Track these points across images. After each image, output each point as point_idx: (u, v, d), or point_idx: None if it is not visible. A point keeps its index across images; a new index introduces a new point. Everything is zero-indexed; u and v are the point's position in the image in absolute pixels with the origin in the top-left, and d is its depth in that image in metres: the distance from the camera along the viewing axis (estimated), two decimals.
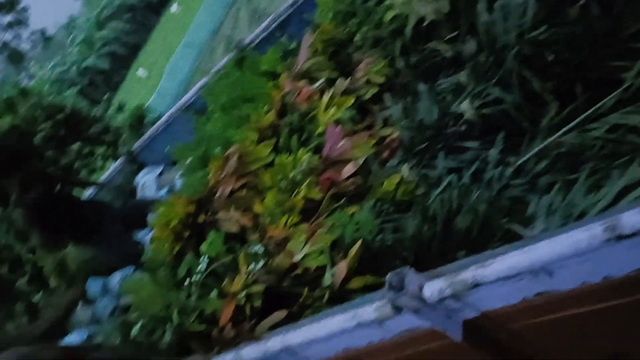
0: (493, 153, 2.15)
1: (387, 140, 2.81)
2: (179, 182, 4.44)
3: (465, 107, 2.33)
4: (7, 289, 10.75)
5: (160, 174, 4.96)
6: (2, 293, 11.07)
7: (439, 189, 2.14)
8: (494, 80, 2.26)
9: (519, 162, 2.03)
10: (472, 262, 1.49)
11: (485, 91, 2.28)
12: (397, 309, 1.60)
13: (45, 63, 21.15)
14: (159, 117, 7.79)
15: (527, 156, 2.01)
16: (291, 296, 2.45)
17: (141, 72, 16.07)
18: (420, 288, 1.54)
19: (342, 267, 2.19)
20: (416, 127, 2.44)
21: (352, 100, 2.99)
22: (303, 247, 2.48)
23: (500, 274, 1.43)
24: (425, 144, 2.39)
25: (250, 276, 2.50)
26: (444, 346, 1.84)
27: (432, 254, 1.91)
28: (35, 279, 10.11)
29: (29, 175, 3.88)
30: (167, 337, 2.67)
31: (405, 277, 1.55)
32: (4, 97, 11.37)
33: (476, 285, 1.47)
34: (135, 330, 2.85)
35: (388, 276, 1.60)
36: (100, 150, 12.11)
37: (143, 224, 4.20)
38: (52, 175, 4.12)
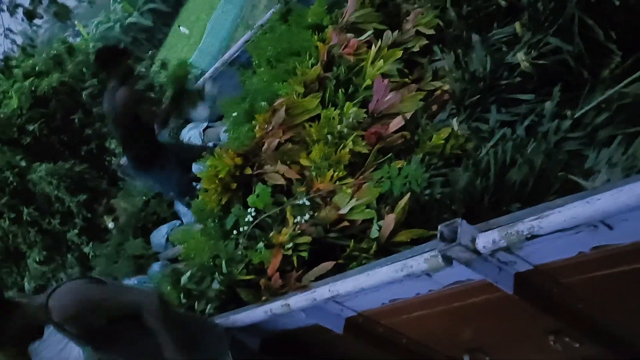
0: (549, 106, 2.08)
1: (437, 93, 2.76)
2: (223, 137, 4.49)
3: (521, 58, 2.24)
4: (60, 240, 11.24)
5: (205, 129, 5.01)
6: (54, 245, 11.59)
7: (492, 142, 2.09)
8: (552, 30, 2.16)
9: (577, 115, 1.96)
10: (528, 214, 1.46)
11: (543, 41, 2.18)
12: (448, 261, 1.59)
13: (89, 21, 21.39)
14: (202, 74, 7.83)
15: (587, 108, 1.93)
16: (337, 248, 2.48)
17: (183, 29, 16.09)
18: (473, 240, 1.53)
19: (389, 220, 2.18)
20: (468, 79, 2.37)
21: (400, 53, 2.93)
22: (349, 200, 2.48)
23: (557, 226, 1.40)
24: (477, 97, 2.32)
25: (296, 228, 2.53)
26: (494, 299, 1.83)
27: (484, 207, 1.88)
28: (86, 231, 10.51)
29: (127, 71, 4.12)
30: (216, 285, 2.75)
31: (458, 228, 1.53)
32: (52, 53, 11.61)
33: (531, 237, 1.45)
34: (184, 278, 2.95)
35: (440, 227, 1.58)
36: None
37: (190, 167, 4.31)
38: None
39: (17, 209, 10.69)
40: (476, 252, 1.53)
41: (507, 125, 2.20)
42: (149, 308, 2.30)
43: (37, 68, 11.50)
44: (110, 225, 5.99)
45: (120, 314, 2.36)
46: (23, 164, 10.77)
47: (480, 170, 1.95)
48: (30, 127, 11.11)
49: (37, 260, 10.92)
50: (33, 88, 11.12)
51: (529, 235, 1.44)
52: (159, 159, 4.33)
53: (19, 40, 10.37)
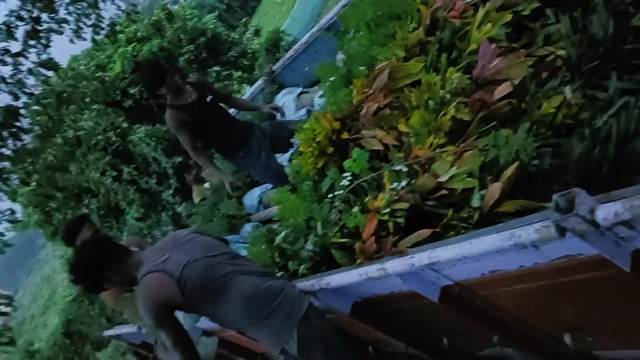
0: None
1: (548, 59, 2.61)
2: (317, 103, 4.50)
3: None
4: (155, 199, 11.88)
5: (300, 94, 5.05)
6: (151, 203, 12.27)
7: (611, 111, 1.95)
8: None
9: None
10: None
11: None
12: (562, 232, 1.51)
13: None
14: (295, 41, 7.86)
15: None
16: (434, 216, 2.43)
17: None
18: (592, 211, 1.44)
19: (495, 189, 2.11)
20: (586, 44, 2.21)
21: (510, 17, 2.77)
22: (449, 168, 2.43)
23: None
24: (596, 63, 2.17)
25: (393, 194, 2.50)
26: (606, 277, 1.74)
27: (601, 179, 1.76)
28: (180, 192, 11.03)
29: (175, 87, 4.09)
30: (309, 246, 2.79)
31: (575, 198, 1.45)
32: (153, 20, 12.11)
33: None
34: (279, 238, 3.02)
35: (555, 197, 1.50)
36: (237, 74, 12.62)
37: (285, 147, 4.33)
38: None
39: (118, 167, 11.41)
40: (594, 224, 1.44)
41: (628, 94, 2.04)
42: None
43: (138, 34, 12.06)
44: (197, 197, 6.19)
45: None
46: (124, 125, 11.43)
47: (599, 139, 1.83)
48: (132, 91, 11.74)
49: (135, 217, 11.65)
50: (135, 53, 11.70)
51: None
52: (243, 146, 4.34)
53: (123, 6, 10.90)
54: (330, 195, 2.84)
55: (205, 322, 3.55)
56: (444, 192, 2.42)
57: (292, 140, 4.07)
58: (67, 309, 13.89)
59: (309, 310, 2.58)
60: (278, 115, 4.57)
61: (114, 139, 11.65)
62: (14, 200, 11.41)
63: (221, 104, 4.45)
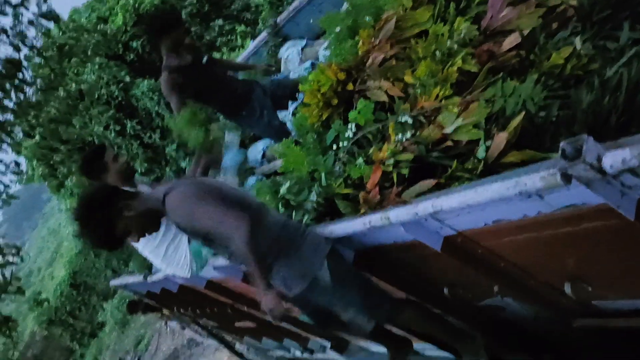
0: None
1: (559, 9, 2.55)
2: (322, 55, 4.43)
3: None
4: (159, 154, 11.87)
5: (304, 47, 4.96)
6: (154, 157, 12.28)
7: (622, 61, 1.92)
8: None
9: None
10: None
11: None
12: (567, 179, 1.50)
13: None
14: None
15: None
16: (439, 168, 2.43)
17: None
18: (599, 158, 1.43)
19: (500, 139, 2.10)
20: None
21: None
22: (455, 119, 2.41)
23: None
24: (608, 12, 2.12)
25: (398, 145, 2.50)
26: (609, 227, 1.74)
27: (610, 129, 1.75)
28: (183, 146, 11.01)
29: (177, 42, 4.00)
30: (314, 197, 2.81)
31: (583, 144, 1.44)
32: None
33: None
34: (283, 189, 3.03)
35: (562, 144, 1.49)
36: (240, 28, 12.40)
37: (286, 104, 4.28)
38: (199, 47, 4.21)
39: (121, 122, 11.37)
40: (601, 171, 1.44)
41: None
42: (237, 243, 2.34)
43: None
44: None
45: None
46: (127, 79, 11.32)
47: (608, 89, 1.81)
48: (134, 44, 11.58)
49: (139, 171, 11.67)
50: (136, 5, 11.48)
51: None
52: (244, 104, 4.27)
53: None
54: (334, 147, 2.84)
55: (210, 271, 3.59)
56: (449, 143, 2.42)
57: (296, 93, 4.02)
58: (73, 262, 14.11)
59: (333, 247, 2.54)
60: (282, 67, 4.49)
61: (116, 93, 11.56)
62: (18, 152, 11.44)
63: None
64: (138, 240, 2.56)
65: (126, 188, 2.78)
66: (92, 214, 2.41)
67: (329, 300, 2.51)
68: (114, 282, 5.53)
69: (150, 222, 2.52)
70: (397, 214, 2.13)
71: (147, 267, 4.78)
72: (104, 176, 3.45)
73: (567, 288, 2.16)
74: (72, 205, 10.96)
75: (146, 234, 2.51)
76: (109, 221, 2.40)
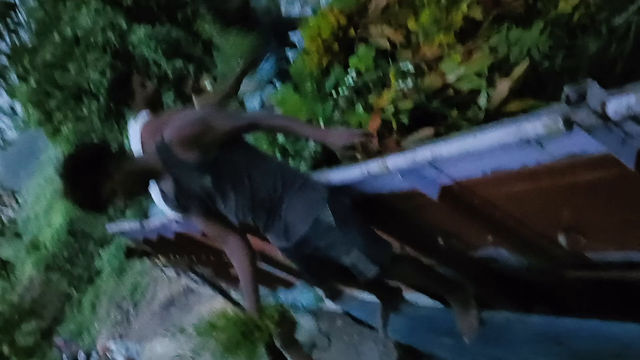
0: None
1: None
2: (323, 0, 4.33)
3: None
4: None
5: None
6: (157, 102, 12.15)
7: (631, 9, 1.87)
8: None
9: None
10: None
11: None
12: (569, 125, 1.48)
13: None
14: None
15: None
16: (439, 117, 2.40)
17: None
18: (603, 104, 1.41)
19: (503, 86, 2.07)
20: None
21: None
22: (458, 67, 2.37)
23: None
24: None
25: (398, 92, 2.46)
26: (608, 177, 1.74)
27: (615, 77, 1.72)
28: (180, 95, 10.89)
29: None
30: (311, 144, 2.79)
31: (587, 90, 1.41)
32: None
33: None
34: (281, 137, 3.01)
35: (566, 89, 1.47)
36: None
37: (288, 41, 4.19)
38: None
39: (117, 69, 11.18)
40: (604, 117, 1.41)
41: None
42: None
43: None
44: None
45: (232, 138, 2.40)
46: (124, 25, 11.07)
47: (616, 37, 1.76)
48: None
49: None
50: None
51: None
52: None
53: None
54: (333, 94, 2.80)
55: None
56: (451, 92, 2.38)
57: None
58: (70, 210, 14.17)
59: (332, 191, 2.49)
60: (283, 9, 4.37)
61: (113, 39, 11.33)
62: (12, 96, 11.29)
63: None
64: (124, 203, 2.51)
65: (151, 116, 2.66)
66: (77, 175, 2.28)
67: (332, 242, 2.44)
68: (111, 228, 5.55)
69: (137, 185, 2.40)
70: (395, 160, 2.12)
71: (144, 216, 4.79)
72: (131, 102, 3.38)
73: (562, 239, 2.17)
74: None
75: (133, 198, 2.42)
76: (94, 184, 2.26)
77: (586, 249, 2.24)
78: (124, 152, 2.54)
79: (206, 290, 6.86)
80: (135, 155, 2.77)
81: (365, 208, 2.69)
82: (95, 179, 2.26)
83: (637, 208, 1.87)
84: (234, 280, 5.79)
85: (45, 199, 16.98)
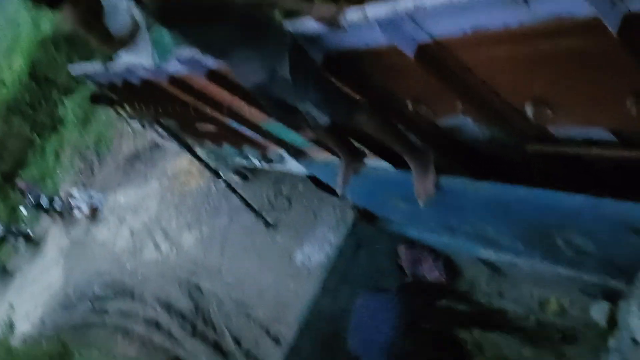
0: None
1: None
2: None
3: None
4: None
5: None
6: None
7: None
8: None
9: None
10: None
11: None
12: None
13: None
14: None
15: None
16: None
17: None
18: None
19: None
20: None
21: None
22: None
23: None
24: None
25: None
26: (588, 45, 1.71)
27: None
28: None
29: None
30: None
31: None
32: None
33: None
34: None
35: None
36: None
37: None
38: None
39: None
40: None
41: None
42: None
43: None
44: None
45: None
46: None
47: None
48: None
49: None
50: None
51: None
52: None
53: None
54: None
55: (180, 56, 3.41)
56: None
57: None
58: (32, 53, 13.53)
59: (298, 43, 2.43)
60: None
61: None
62: None
63: None
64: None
65: None
66: None
67: (287, 92, 2.47)
68: (74, 70, 5.34)
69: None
70: (376, 10, 2.03)
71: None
72: None
73: (529, 110, 2.18)
74: None
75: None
76: None
77: (551, 123, 2.26)
78: None
79: (172, 146, 6.83)
80: None
81: (337, 64, 2.62)
82: None
83: (607, 84, 1.87)
84: (199, 136, 5.76)
85: (5, 40, 16.11)
